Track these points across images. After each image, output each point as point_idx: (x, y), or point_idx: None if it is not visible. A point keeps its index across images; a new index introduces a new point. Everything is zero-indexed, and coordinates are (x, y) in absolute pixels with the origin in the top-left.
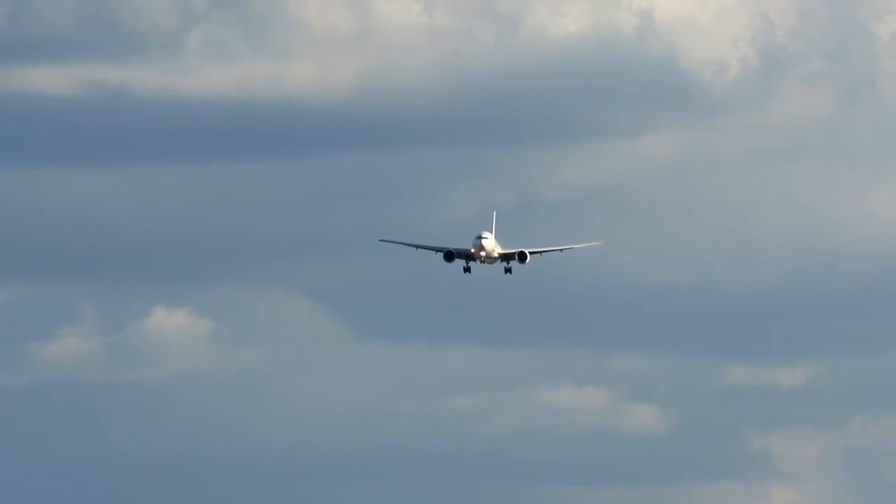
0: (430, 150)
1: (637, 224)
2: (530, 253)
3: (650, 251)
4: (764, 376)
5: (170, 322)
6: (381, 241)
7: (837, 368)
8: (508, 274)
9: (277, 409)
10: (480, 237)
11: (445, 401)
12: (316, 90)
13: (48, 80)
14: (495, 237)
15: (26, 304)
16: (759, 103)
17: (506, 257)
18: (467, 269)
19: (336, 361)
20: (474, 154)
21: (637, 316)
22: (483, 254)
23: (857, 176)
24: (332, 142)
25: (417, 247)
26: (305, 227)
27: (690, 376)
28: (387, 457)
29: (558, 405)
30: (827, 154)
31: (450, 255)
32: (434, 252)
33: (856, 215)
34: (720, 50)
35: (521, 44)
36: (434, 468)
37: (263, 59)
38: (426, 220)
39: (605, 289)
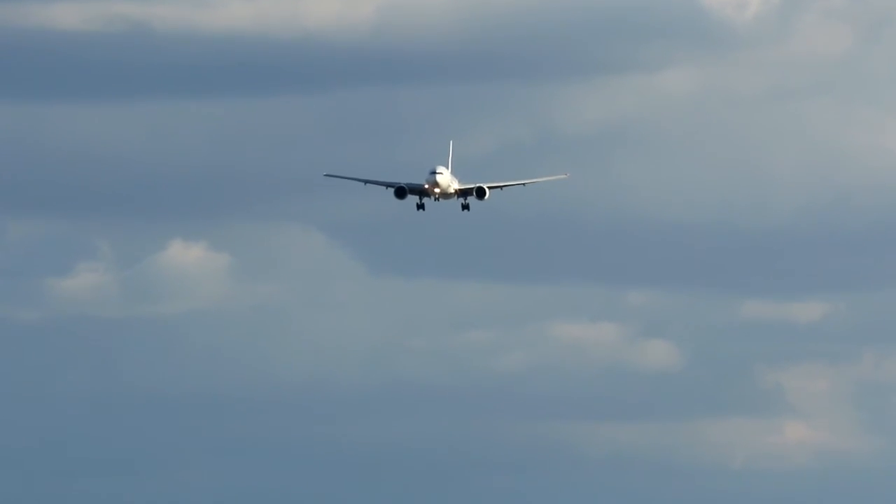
0: (449, 86)
1: (654, 159)
2: (489, 188)
3: (667, 186)
4: (778, 312)
5: (187, 256)
6: (327, 175)
7: (852, 304)
8: (466, 211)
9: (292, 344)
10: (434, 172)
11: (460, 336)
12: (335, 26)
13: (68, 15)
14: (452, 171)
15: (43, 239)
16: (779, 39)
17: (463, 193)
18: (421, 206)
19: (351, 297)
20: (493, 90)
21: (652, 251)
22: (438, 190)
23: (875, 112)
24: (350, 77)
25: (366, 182)
26: (323, 163)
27: (704, 311)
28: (400, 392)
29: (572, 340)
30: (846, 90)
31: (401, 192)
32: (385, 188)
33: (873, 151)
34: None
35: None
36: (448, 403)
37: None
38: (445, 156)
39: (620, 223)
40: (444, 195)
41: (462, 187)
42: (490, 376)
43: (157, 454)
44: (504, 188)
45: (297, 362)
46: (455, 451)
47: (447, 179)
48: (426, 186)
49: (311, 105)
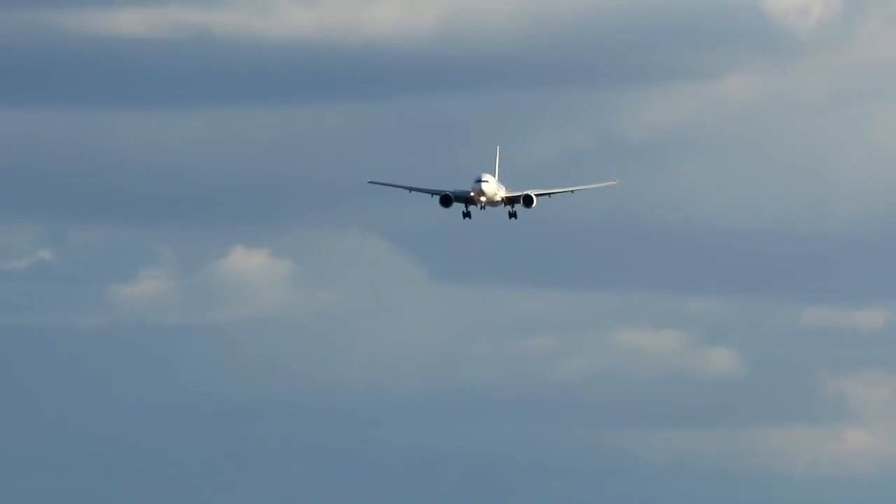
0: (512, 92)
1: (716, 166)
2: (537, 195)
3: (728, 193)
4: (840, 319)
5: (249, 263)
6: (370, 182)
7: None
8: (513, 219)
9: (352, 351)
10: (480, 180)
11: (520, 343)
12: (397, 33)
13: (130, 22)
14: (498, 178)
15: (106, 246)
16: (842, 45)
17: (510, 201)
18: (467, 214)
19: (410, 304)
20: (554, 96)
21: (713, 258)
22: (483, 198)
23: None
24: (413, 84)
25: (411, 189)
26: (385, 169)
27: (766, 319)
28: (460, 399)
29: (634, 347)
30: None
31: (447, 200)
32: (430, 195)
33: None
34: None
35: None
36: (508, 410)
37: (346, 1)
38: (508, 164)
39: (682, 230)
40: (491, 203)
41: (509, 195)
42: (550, 383)
43: (219, 461)
44: (552, 195)
45: (357, 369)
46: (516, 458)
47: (493, 187)
48: (472, 194)
49: (373, 111)
